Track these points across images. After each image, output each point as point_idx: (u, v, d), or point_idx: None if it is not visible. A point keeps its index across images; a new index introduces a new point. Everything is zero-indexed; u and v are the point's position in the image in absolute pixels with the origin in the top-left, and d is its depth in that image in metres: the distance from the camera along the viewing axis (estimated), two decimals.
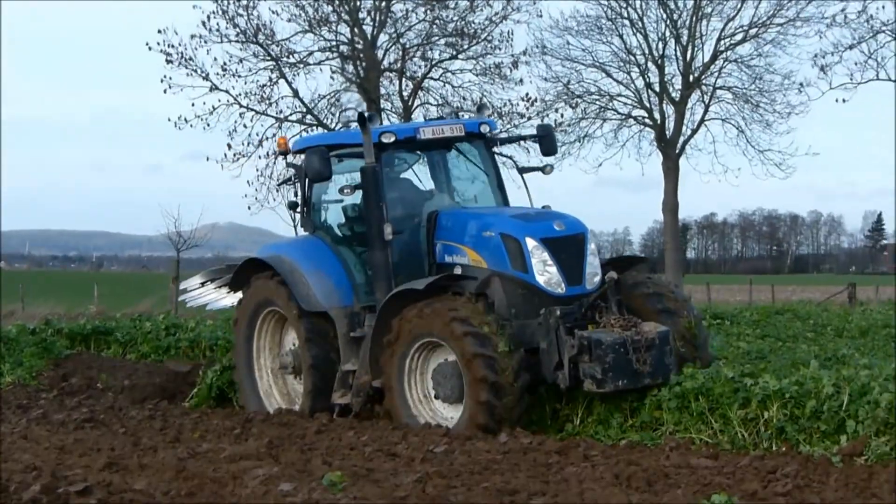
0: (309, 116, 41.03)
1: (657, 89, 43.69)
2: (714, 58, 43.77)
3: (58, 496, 9.52)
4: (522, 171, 16.09)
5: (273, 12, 39.87)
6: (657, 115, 43.49)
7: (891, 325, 24.11)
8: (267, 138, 39.55)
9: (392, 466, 12.33)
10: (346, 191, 15.13)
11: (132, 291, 49.99)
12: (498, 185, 16.14)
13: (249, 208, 40.93)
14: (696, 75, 43.78)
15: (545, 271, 13.94)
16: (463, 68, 41.68)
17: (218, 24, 38.70)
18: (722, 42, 43.69)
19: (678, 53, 44.22)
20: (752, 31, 43.23)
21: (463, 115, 16.65)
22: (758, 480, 10.91)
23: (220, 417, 16.90)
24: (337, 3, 40.27)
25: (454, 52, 41.56)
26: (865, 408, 11.60)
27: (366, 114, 14.87)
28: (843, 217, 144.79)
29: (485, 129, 15.99)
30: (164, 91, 39.01)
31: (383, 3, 40.83)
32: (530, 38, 44.92)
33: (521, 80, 41.73)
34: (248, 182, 40.47)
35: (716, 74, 44.22)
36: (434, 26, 41.04)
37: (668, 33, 44.00)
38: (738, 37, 43.58)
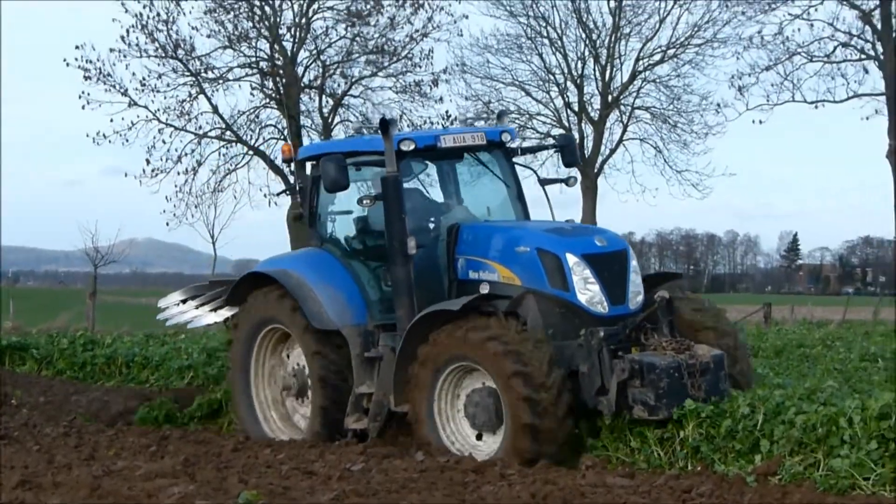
0: (228, 133, 40.87)
1: (576, 108, 44.01)
2: (633, 78, 44.41)
3: None
4: (544, 182, 15.17)
5: (193, 28, 39.90)
6: (576, 135, 43.42)
7: (805, 345, 23.74)
8: (185, 154, 39.85)
9: (309, 485, 12.15)
10: (365, 202, 14.11)
11: (49, 307, 48.49)
12: (518, 196, 15.21)
13: (168, 224, 41.19)
14: (614, 95, 44.31)
15: (587, 289, 12.95)
16: (383, 85, 42.18)
17: (137, 38, 38.74)
18: (640, 62, 44.39)
19: (597, 73, 44.79)
20: (671, 52, 43.94)
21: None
22: (673, 499, 10.94)
23: (136, 435, 16.56)
24: (257, 19, 40.34)
25: (374, 70, 41.91)
26: (780, 427, 11.59)
27: (388, 119, 14.07)
28: (759, 237, 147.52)
29: (506, 137, 15.16)
30: (83, 107, 38.90)
31: (303, 20, 40.86)
32: (450, 57, 44.56)
33: (441, 98, 41.95)
34: (166, 198, 40.71)
35: (634, 94, 44.88)
36: (354, 43, 41.34)
37: (587, 53, 44.63)
38: (657, 57, 44.36)
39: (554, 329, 12.88)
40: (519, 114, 43.79)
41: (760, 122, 41.05)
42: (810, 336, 26.69)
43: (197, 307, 17.35)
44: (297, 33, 40.50)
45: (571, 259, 12.90)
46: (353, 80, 41.33)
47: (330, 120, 41.07)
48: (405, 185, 14.48)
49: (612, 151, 44.30)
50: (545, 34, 43.77)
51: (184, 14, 39.11)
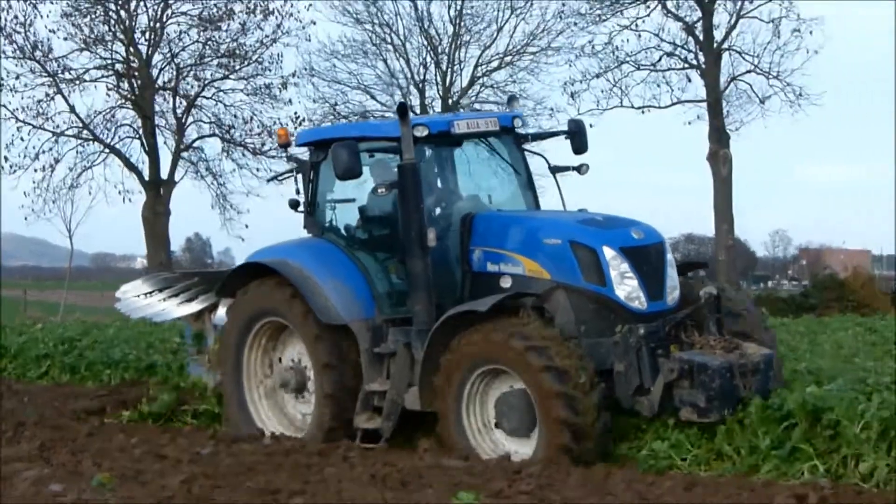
0: (85, 131, 41.90)
1: (417, 111, 43.97)
2: (471, 83, 46.08)
3: None
4: (555, 170, 14.20)
5: (50, 31, 41.21)
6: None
7: None
8: (43, 151, 41.25)
9: (160, 468, 12.26)
10: (380, 190, 13.16)
11: None
12: (528, 184, 14.44)
13: (26, 219, 42.90)
14: (454, 99, 45.57)
15: (624, 284, 12.16)
16: (235, 88, 43.97)
17: None
18: (479, 68, 46.22)
19: (438, 78, 46.37)
20: (508, 59, 45.60)
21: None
22: (504, 480, 11.14)
23: None
24: (112, 23, 41.68)
25: (226, 73, 43.75)
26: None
27: (404, 103, 13.38)
28: None
29: (517, 123, 14.36)
30: None
31: (157, 25, 42.39)
32: (299, 61, 46.51)
33: (290, 101, 43.26)
34: (24, 193, 41.97)
35: (473, 98, 46.16)
36: (207, 47, 43.57)
37: (428, 59, 46.17)
38: (494, 64, 46.24)
39: (587, 325, 12.17)
40: (364, 116, 43.13)
41: (591, 125, 41.71)
42: None
43: (165, 299, 16.49)
44: (152, 37, 42.22)
45: (609, 252, 12.15)
46: (206, 82, 43.50)
47: (183, 120, 42.66)
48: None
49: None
50: (389, 41, 45.39)
51: (41, 17, 40.40)
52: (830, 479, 10.32)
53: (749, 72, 41.26)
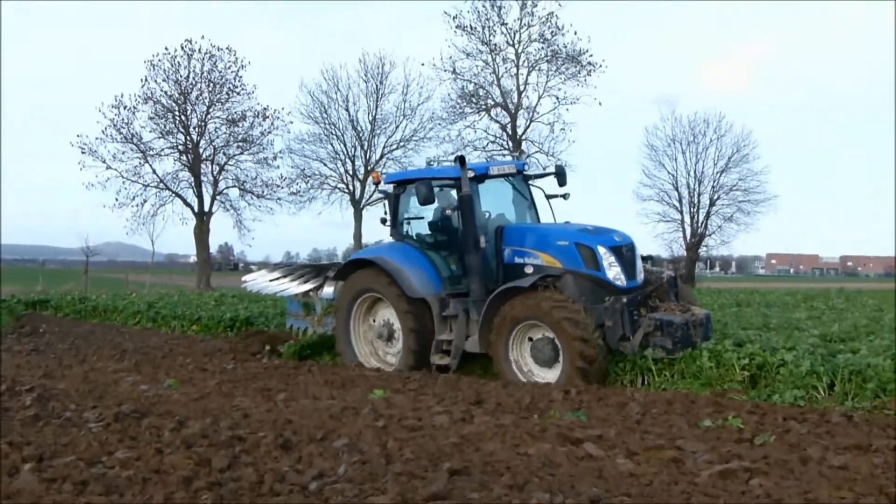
0: (161, 184, 61.79)
1: (351, 174, 64.84)
2: (381, 157, 64.67)
3: (15, 392, 11.77)
4: (549, 197, 16.82)
5: (142, 126, 61.52)
6: (353, 187, 64.46)
7: None
8: (137, 195, 61.90)
9: (203, 376, 15.10)
10: (448, 210, 15.92)
11: (57, 279, 64.46)
12: (532, 206, 16.91)
13: (127, 233, 62.84)
14: (371, 167, 63.16)
15: (611, 269, 14.87)
16: (246, 159, 64.13)
17: (110, 132, 61.02)
18: (386, 149, 64.54)
19: (362, 155, 65.52)
20: (402, 143, 64.29)
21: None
22: (400, 382, 14.18)
23: (108, 348, 19.93)
24: (177, 122, 61.72)
25: (241, 150, 63.89)
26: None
27: (462, 156, 15.78)
28: None
29: (526, 167, 17.21)
30: (80, 169, 60.55)
31: (202, 123, 63.10)
32: (283, 142, 66.01)
33: (279, 167, 65.43)
34: (126, 220, 64.74)
35: (382, 167, 62.88)
36: (231, 136, 63.65)
37: (357, 144, 65.14)
38: (394, 146, 64.81)
39: (585, 297, 14.49)
40: (323, 175, 61.72)
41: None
42: None
43: (286, 281, 19.66)
44: (200, 129, 59.86)
45: (602, 249, 14.83)
46: (230, 156, 60.80)
47: (217, 178, 61.15)
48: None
49: (370, 196, 61.95)
50: (334, 133, 61.35)
51: (137, 119, 59.27)
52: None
53: (537, 152, 57.46)
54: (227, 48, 59.98)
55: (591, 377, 13.67)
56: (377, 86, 61.61)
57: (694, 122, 61.45)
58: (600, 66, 56.37)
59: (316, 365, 16.60)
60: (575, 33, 60.27)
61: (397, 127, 62.64)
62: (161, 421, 9.51)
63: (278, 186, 61.01)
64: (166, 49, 59.22)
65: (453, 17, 56.68)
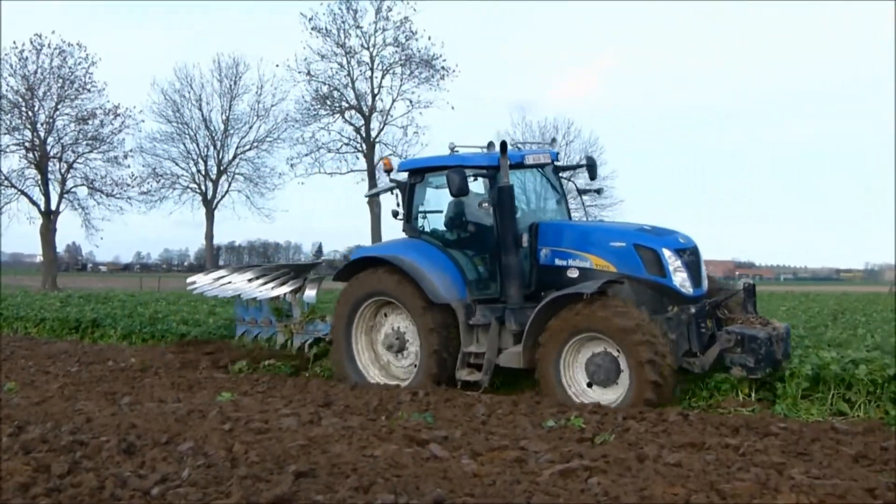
0: (6, 181, 59.41)
1: (203, 173, 65.87)
2: (234, 157, 66.20)
3: None
4: (581, 192, 15.47)
5: None
6: (206, 186, 65.25)
7: None
8: None
9: (46, 380, 14.96)
10: (483, 205, 14.10)
11: None
12: (563, 200, 15.29)
13: None
14: (224, 167, 65.77)
15: (678, 275, 13.09)
16: (96, 157, 61.93)
17: None
18: (239, 148, 65.76)
19: (215, 154, 66.23)
20: (255, 144, 65.85)
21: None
22: (248, 385, 14.31)
23: None
24: (24, 118, 59.60)
25: (91, 149, 61.67)
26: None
27: (505, 141, 13.69)
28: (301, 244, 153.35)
29: (558, 157, 15.28)
30: None
31: (51, 119, 60.81)
32: (135, 141, 65.24)
33: (129, 165, 62.52)
34: None
35: (235, 166, 65.87)
36: (80, 134, 61.49)
37: (210, 144, 65.66)
38: (247, 147, 65.91)
39: (645, 305, 12.78)
40: (174, 174, 62.18)
41: (302, 183, 62.66)
42: None
43: (249, 282, 18.16)
44: (47, 126, 59.03)
45: (667, 252, 13.05)
46: (79, 154, 59.73)
47: (65, 176, 59.86)
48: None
49: (223, 196, 63.55)
50: (187, 133, 61.92)
51: None
52: None
53: (391, 154, 56.68)
54: (77, 44, 58.66)
55: (664, 391, 12.10)
56: (231, 86, 61.43)
57: (544, 128, 62.23)
58: (454, 70, 56.82)
59: (162, 368, 16.27)
60: (429, 38, 61.21)
61: (251, 127, 63.15)
62: None
63: (128, 185, 60.17)
64: (14, 44, 58.96)
65: (309, 19, 56.70)
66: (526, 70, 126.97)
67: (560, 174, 15.31)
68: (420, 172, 14.86)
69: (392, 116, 58.72)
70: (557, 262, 13.73)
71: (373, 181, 56.41)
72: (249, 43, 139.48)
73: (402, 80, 57.62)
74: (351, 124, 59.16)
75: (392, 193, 15.59)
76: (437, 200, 14.94)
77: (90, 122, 59.63)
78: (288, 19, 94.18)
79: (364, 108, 57.65)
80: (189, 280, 19.36)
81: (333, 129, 59.01)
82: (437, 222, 14.95)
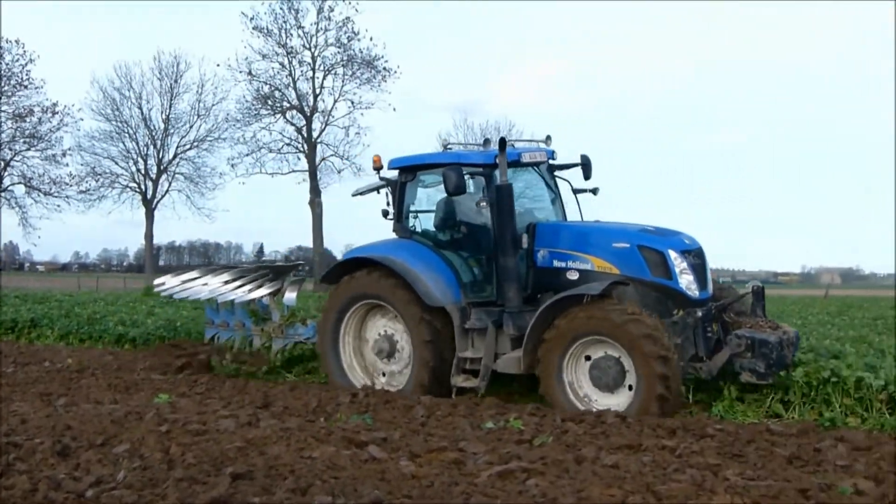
0: None
1: (143, 172, 64.70)
2: (174, 157, 65.60)
3: None
4: (576, 192, 14.75)
5: None
6: (145, 186, 64.56)
7: None
8: None
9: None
10: (481, 204, 13.46)
11: None
12: (559, 200, 14.75)
13: None
14: (164, 166, 65.33)
15: (684, 277, 12.68)
16: (34, 156, 60.64)
17: None
18: (179, 148, 64.87)
19: (154, 153, 65.64)
20: (195, 143, 65.18)
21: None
22: (186, 387, 14.22)
23: None
24: None
25: (29, 146, 60.47)
26: None
27: (504, 138, 13.13)
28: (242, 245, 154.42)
29: (554, 156, 14.71)
30: None
31: None
32: (73, 140, 64.36)
33: (68, 164, 62.15)
34: None
35: (176, 165, 65.24)
36: (17, 131, 59.89)
37: (149, 142, 65.36)
38: (188, 146, 65.09)
39: (649, 308, 12.29)
40: (114, 173, 61.81)
41: (243, 183, 63.69)
42: None
43: (187, 286, 17.54)
44: None
45: (673, 254, 12.64)
46: (17, 151, 59.07)
47: (2, 174, 58.80)
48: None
49: (163, 196, 63.29)
50: (126, 131, 61.80)
51: None
52: None
53: (332, 155, 59.47)
54: (15, 41, 58.16)
55: (671, 406, 11.64)
56: (171, 84, 60.72)
57: (485, 130, 62.50)
58: (395, 71, 56.86)
59: (99, 369, 16.16)
60: (371, 39, 60.78)
61: (191, 127, 62.84)
62: None
63: (67, 184, 59.54)
64: None
65: (250, 19, 56.40)
66: (469, 72, 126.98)
67: (555, 173, 14.89)
68: (412, 170, 14.43)
69: (333, 117, 58.96)
70: (556, 263, 13.37)
71: (314, 181, 56.95)
72: (191, 41, 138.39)
73: (343, 81, 57.71)
74: (292, 124, 59.40)
75: (378, 192, 15.30)
76: (429, 199, 14.64)
77: (28, 119, 59.06)
78: (229, 18, 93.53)
79: (305, 109, 57.62)
80: (156, 281, 18.69)
81: (274, 130, 59.19)
82: (429, 222, 14.59)
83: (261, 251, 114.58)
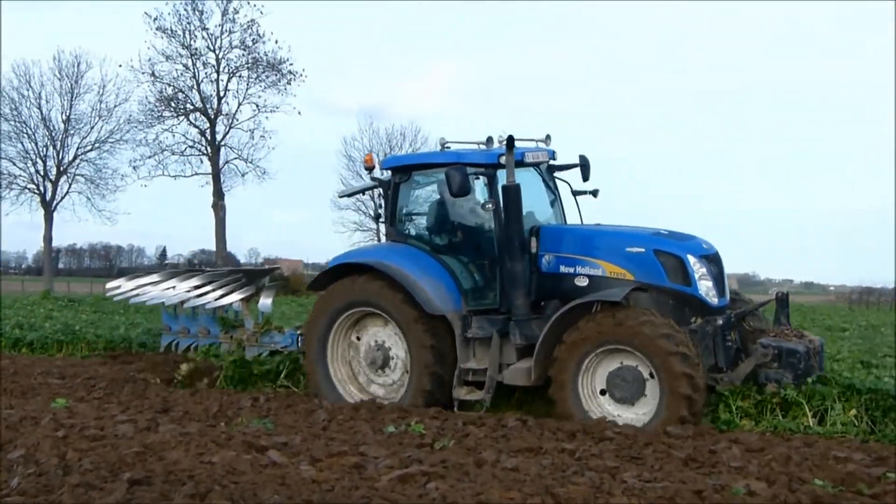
0: None
1: (43, 174, 61.58)
2: (75, 158, 62.03)
3: None
4: (576, 193, 14.20)
5: None
6: (44, 188, 61.30)
7: None
8: None
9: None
10: (487, 206, 12.86)
11: None
12: (558, 203, 14.19)
13: None
14: (64, 167, 61.70)
15: (703, 284, 12.16)
16: None
17: None
18: (80, 149, 61.67)
19: (55, 155, 62.37)
20: (97, 145, 61.69)
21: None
22: (84, 391, 13.94)
23: None
24: None
25: None
26: None
27: (511, 136, 12.53)
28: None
29: (555, 156, 14.11)
30: None
31: None
32: None
33: None
34: None
35: (76, 167, 62.32)
36: None
37: (49, 144, 62.12)
38: (89, 147, 62.03)
39: (666, 316, 11.77)
40: (11, 174, 59.45)
41: (145, 185, 60.89)
42: None
43: (141, 289, 16.74)
44: None
45: (692, 259, 12.12)
46: None
47: None
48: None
49: (63, 198, 60.88)
50: (25, 132, 59.86)
51: None
52: None
53: (236, 158, 58.30)
54: None
55: (694, 420, 11.12)
56: (72, 85, 59.37)
57: (391, 135, 62.54)
58: (301, 75, 56.55)
59: (64, 370, 15.94)
60: (276, 42, 59.99)
61: (92, 128, 61.06)
62: None
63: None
64: None
65: (153, 19, 55.55)
66: (374, 75, 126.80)
67: (555, 174, 14.32)
68: (407, 170, 13.78)
69: (238, 120, 57.94)
70: (563, 269, 12.73)
71: (217, 185, 56.12)
72: (92, 41, 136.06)
73: (248, 84, 56.91)
74: (196, 127, 58.00)
75: (364, 194, 14.30)
76: (425, 201, 14.06)
77: None
78: (132, 18, 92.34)
79: (209, 111, 56.99)
80: (110, 285, 17.75)
81: (178, 132, 57.85)
82: (424, 225, 13.95)
83: (164, 254, 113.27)
